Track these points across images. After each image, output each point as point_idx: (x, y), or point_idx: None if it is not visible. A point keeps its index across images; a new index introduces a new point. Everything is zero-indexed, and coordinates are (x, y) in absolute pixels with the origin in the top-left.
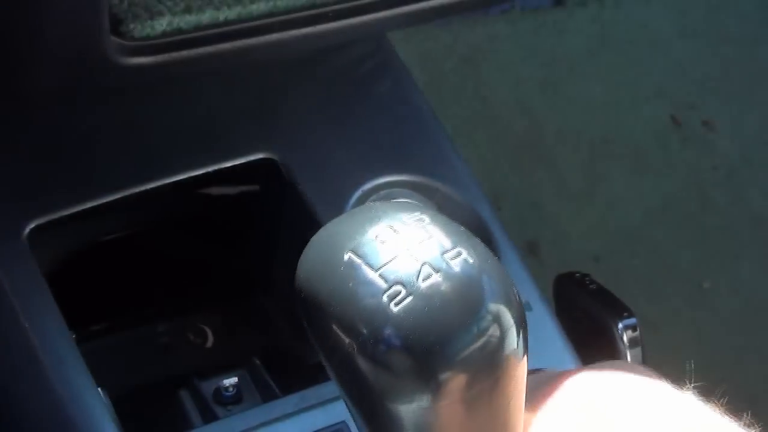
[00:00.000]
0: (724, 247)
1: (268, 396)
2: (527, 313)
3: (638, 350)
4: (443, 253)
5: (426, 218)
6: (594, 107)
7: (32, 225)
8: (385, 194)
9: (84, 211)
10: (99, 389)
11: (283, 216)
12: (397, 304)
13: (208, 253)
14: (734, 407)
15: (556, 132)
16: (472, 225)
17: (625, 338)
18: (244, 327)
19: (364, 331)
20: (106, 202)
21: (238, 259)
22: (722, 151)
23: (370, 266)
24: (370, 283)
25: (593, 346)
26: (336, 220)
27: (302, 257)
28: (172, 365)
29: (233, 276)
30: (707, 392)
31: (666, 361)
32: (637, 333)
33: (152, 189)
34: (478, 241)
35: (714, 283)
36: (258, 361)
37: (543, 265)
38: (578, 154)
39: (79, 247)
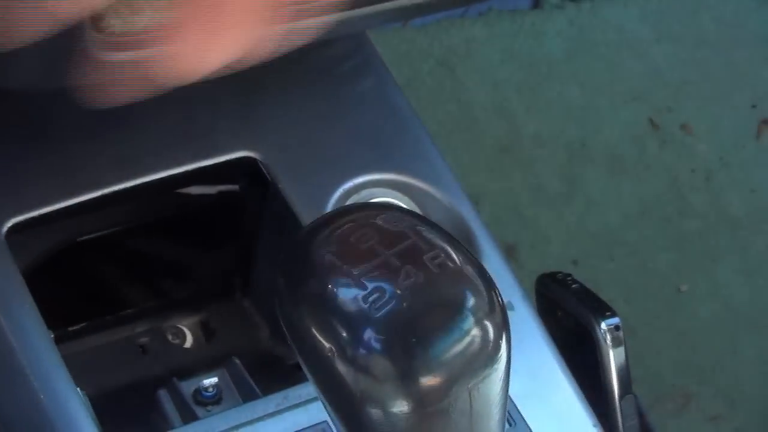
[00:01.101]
0: (702, 251)
1: (248, 396)
2: (509, 313)
3: (621, 349)
4: (424, 255)
5: (407, 220)
6: (572, 110)
7: (10, 223)
8: (367, 193)
9: (62, 209)
10: (78, 389)
11: (264, 215)
12: (377, 308)
13: (187, 253)
14: (713, 410)
15: (533, 135)
16: (453, 224)
17: (608, 338)
18: (224, 327)
19: (344, 334)
20: (85, 201)
21: (217, 258)
22: (700, 154)
23: (350, 269)
24: (350, 286)
25: (576, 345)
26: (315, 222)
27: (281, 260)
28: (151, 366)
29: (213, 275)
30: (686, 395)
31: (644, 364)
32: (620, 332)
33: (131, 187)
34: (458, 242)
35: (692, 286)
36: (238, 361)
37: (522, 268)
38: (556, 158)
39: (58, 246)
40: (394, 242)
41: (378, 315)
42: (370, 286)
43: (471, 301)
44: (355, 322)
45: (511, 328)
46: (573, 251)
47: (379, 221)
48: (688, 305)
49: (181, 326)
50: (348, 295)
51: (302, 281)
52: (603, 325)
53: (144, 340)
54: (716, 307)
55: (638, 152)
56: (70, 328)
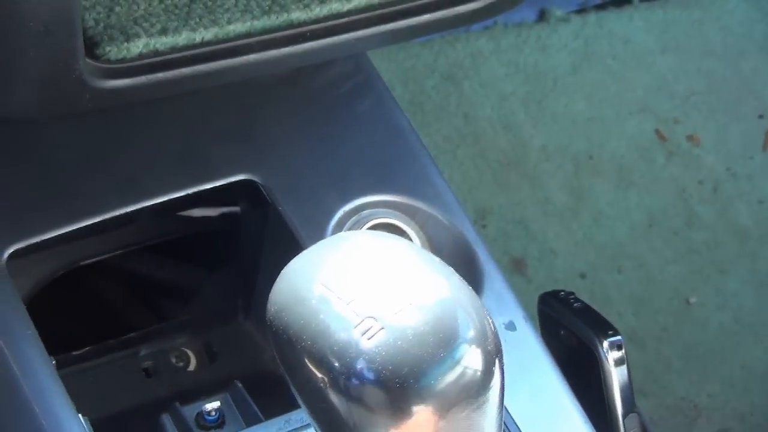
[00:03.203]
0: (711, 262)
1: (251, 419)
2: (510, 333)
3: (624, 368)
4: (416, 284)
5: (399, 249)
6: (578, 123)
7: (10, 250)
8: (367, 214)
9: (63, 235)
10: (80, 416)
11: (265, 237)
12: (369, 338)
13: (190, 275)
14: (723, 422)
15: (540, 148)
16: (454, 244)
17: (610, 357)
18: (228, 349)
19: (336, 365)
20: (86, 226)
21: (220, 280)
22: (707, 165)
23: (342, 299)
24: (341, 317)
25: (578, 364)
26: (307, 251)
27: (273, 289)
28: (154, 389)
29: (216, 298)
30: (696, 407)
31: (654, 376)
32: (622, 351)
33: (132, 212)
34: (451, 271)
35: (701, 298)
36: (240, 385)
37: (530, 282)
38: (563, 170)
39: (59, 271)
40: (386, 271)
41: (368, 345)
42: (362, 315)
43: (462, 330)
44: (347, 353)
45: (513, 348)
46: (581, 264)
47: (371, 250)
48: (697, 317)
49: (184, 349)
50: (339, 325)
51: (292, 311)
52: (605, 344)
53: (148, 363)
54: (725, 319)
55: (645, 164)
56: (74, 353)
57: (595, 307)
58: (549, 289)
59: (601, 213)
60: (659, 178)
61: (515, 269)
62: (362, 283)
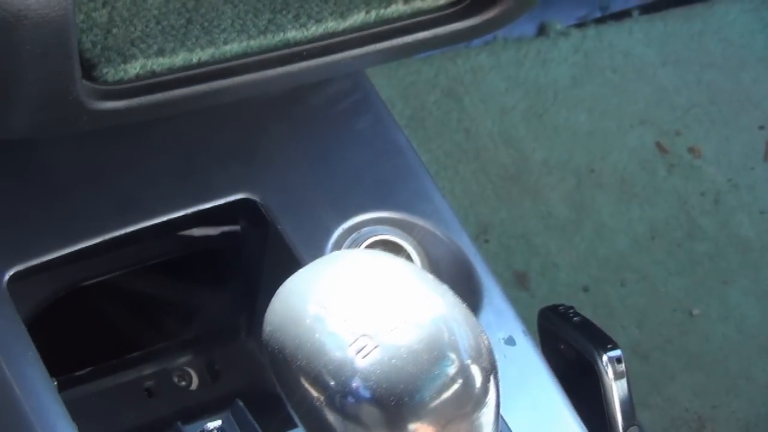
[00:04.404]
0: (713, 274)
1: None
2: (510, 348)
3: (624, 381)
4: (410, 302)
5: (393, 267)
6: (579, 136)
7: (11, 272)
8: (366, 231)
9: (64, 256)
10: None
11: (265, 256)
12: (364, 356)
13: (191, 294)
14: None
15: (541, 162)
16: (453, 260)
17: (610, 370)
18: (230, 368)
19: (332, 384)
20: (86, 247)
21: (222, 298)
22: (709, 177)
23: (336, 317)
24: (335, 336)
25: (579, 378)
26: (302, 271)
27: (269, 309)
28: (156, 409)
29: (218, 316)
30: (701, 419)
31: (658, 389)
32: (622, 365)
33: (133, 232)
34: (446, 288)
35: (704, 309)
36: (242, 404)
37: (533, 296)
38: (565, 184)
39: (60, 292)
40: (380, 289)
41: (363, 363)
42: (356, 333)
43: (457, 347)
44: (342, 371)
45: (513, 362)
46: (584, 277)
47: (365, 268)
48: (700, 329)
49: (187, 368)
50: (334, 344)
51: (288, 331)
52: (605, 358)
53: (150, 383)
54: (729, 330)
55: (647, 176)
56: (76, 373)
57: (598, 319)
58: (552, 302)
59: (603, 226)
60: (661, 190)
61: (518, 283)
62: (356, 301)
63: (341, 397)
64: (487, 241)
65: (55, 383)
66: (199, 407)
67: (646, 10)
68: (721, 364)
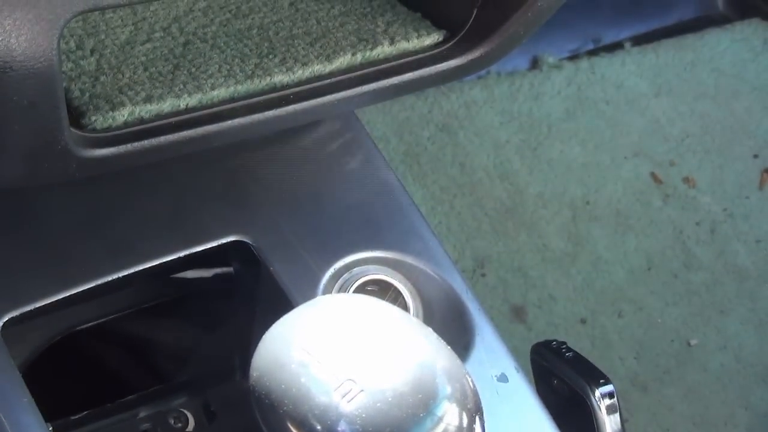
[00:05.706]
0: (710, 303)
1: None
2: (503, 385)
3: (617, 416)
4: (394, 346)
5: (377, 311)
6: (574, 169)
7: (5, 318)
8: (358, 272)
9: (57, 301)
10: None
11: (258, 297)
12: (349, 401)
13: (186, 336)
14: None
15: (536, 195)
16: (445, 298)
17: (602, 405)
18: (225, 409)
19: (318, 428)
20: (80, 292)
21: (216, 340)
22: (704, 206)
23: (321, 362)
24: (320, 381)
25: (572, 413)
26: (287, 316)
27: (255, 355)
28: None
29: (212, 357)
30: None
31: (656, 420)
32: (614, 399)
33: (126, 276)
34: (429, 331)
35: (702, 339)
36: None
37: (530, 329)
38: (560, 217)
39: (54, 338)
40: (365, 334)
41: (349, 407)
42: (341, 378)
43: (441, 390)
44: (328, 416)
45: (506, 399)
46: (581, 310)
47: (349, 313)
48: (698, 359)
49: (182, 410)
50: (319, 389)
51: (273, 376)
52: (597, 393)
53: (146, 425)
54: (727, 360)
55: (642, 207)
56: (72, 417)
57: (596, 351)
58: (550, 335)
59: (599, 258)
60: (656, 221)
61: (515, 317)
62: (341, 346)
63: None
64: (483, 275)
65: (51, 429)
66: None
67: (638, 41)
68: (719, 394)
